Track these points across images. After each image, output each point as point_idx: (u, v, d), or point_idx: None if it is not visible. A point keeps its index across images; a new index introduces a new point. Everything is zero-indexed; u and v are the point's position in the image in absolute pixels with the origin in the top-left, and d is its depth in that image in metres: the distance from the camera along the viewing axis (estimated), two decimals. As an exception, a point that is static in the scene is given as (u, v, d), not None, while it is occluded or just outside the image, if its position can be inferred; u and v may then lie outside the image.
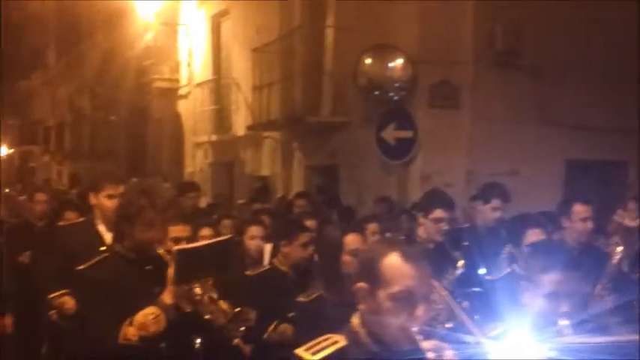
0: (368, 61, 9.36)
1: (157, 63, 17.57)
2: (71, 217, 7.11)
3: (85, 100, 25.02)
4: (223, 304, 3.82)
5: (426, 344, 2.31)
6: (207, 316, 3.79)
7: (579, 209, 5.17)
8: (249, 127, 13.20)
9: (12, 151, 34.44)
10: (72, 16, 24.84)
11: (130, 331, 3.53)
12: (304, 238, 5.15)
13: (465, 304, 4.30)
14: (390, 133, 9.44)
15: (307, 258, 5.14)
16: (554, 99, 9.20)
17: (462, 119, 9.22)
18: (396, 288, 2.38)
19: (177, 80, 17.29)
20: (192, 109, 16.38)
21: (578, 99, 9.23)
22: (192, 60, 16.54)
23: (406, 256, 2.41)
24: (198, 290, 3.74)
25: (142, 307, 3.56)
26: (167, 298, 3.62)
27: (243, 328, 3.96)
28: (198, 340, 4.22)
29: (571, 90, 9.21)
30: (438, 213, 5.14)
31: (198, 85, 16.05)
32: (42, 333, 6.77)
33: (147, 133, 20.12)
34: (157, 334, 3.55)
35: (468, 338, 2.63)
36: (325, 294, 4.05)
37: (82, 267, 3.84)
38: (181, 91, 17.22)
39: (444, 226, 5.14)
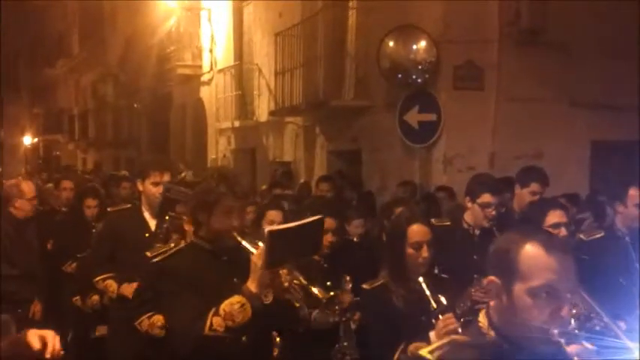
0: (391, 43, 9.27)
1: (179, 49, 17.58)
2: (91, 204, 7.20)
3: (109, 87, 25.16)
4: (314, 289, 3.61)
5: (571, 348, 2.05)
6: (296, 304, 3.61)
7: (635, 194, 4.91)
8: (272, 113, 13.19)
9: (37, 140, 34.80)
10: (94, 2, 24.93)
11: (216, 321, 3.32)
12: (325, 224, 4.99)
13: None
14: (413, 116, 9.36)
15: (327, 246, 4.91)
16: (580, 78, 9.06)
17: (486, 101, 9.11)
18: (536, 282, 2.09)
19: (199, 66, 17.30)
20: (215, 95, 16.39)
21: (604, 78, 9.07)
22: (214, 46, 16.53)
23: (548, 246, 2.12)
24: (286, 276, 3.51)
25: (223, 298, 3.37)
26: (252, 285, 3.36)
27: (337, 310, 3.81)
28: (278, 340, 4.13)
29: (597, 69, 9.05)
30: (486, 197, 4.98)
31: (221, 71, 16.04)
32: (68, 319, 6.83)
33: (170, 119, 20.18)
34: (243, 324, 3.36)
35: (613, 342, 2.38)
36: (390, 283, 3.91)
37: (158, 258, 3.73)
38: (204, 78, 17.23)
39: (492, 212, 4.96)
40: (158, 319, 4.22)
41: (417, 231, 3.89)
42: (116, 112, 24.92)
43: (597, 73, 9.07)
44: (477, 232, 5.02)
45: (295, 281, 3.58)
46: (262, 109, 14.06)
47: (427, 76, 9.11)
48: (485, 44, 9.03)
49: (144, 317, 4.36)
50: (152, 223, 5.26)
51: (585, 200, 8.08)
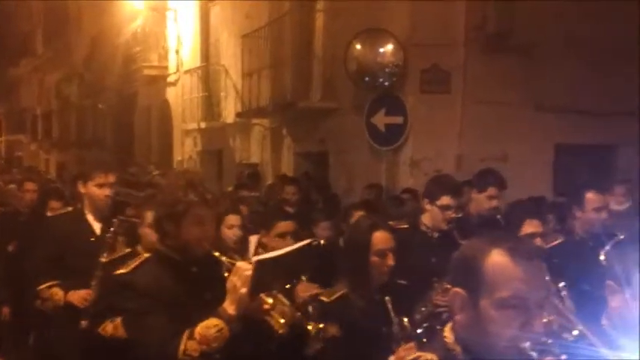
0: (358, 46, 9.29)
1: (145, 50, 17.46)
2: (55, 206, 7.06)
3: (73, 87, 24.84)
4: (299, 316, 3.45)
5: None
6: (280, 330, 3.29)
7: (592, 197, 4.88)
8: (239, 114, 13.14)
9: (-1, 140, 34.24)
10: (59, 2, 24.62)
11: (191, 346, 3.07)
12: (282, 227, 4.67)
13: None
14: (380, 119, 9.39)
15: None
16: (545, 82, 9.15)
17: (452, 104, 9.17)
18: (504, 293, 1.94)
19: (165, 67, 17.19)
20: (181, 96, 16.29)
21: (569, 82, 9.19)
22: (180, 46, 16.43)
23: (515, 254, 1.97)
24: (268, 299, 3.26)
25: (194, 316, 3.13)
26: (231, 308, 3.11)
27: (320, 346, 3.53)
28: None
29: (562, 73, 9.16)
30: (446, 200, 4.89)
31: (187, 71, 15.95)
32: (30, 322, 6.72)
33: (135, 121, 20.00)
34: (219, 348, 3.18)
35: (590, 350, 2.26)
36: (351, 294, 3.71)
37: (121, 271, 3.38)
38: (170, 78, 17.11)
39: (452, 214, 4.88)
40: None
41: (381, 238, 3.73)
42: (80, 112, 24.64)
43: (562, 78, 9.17)
44: (436, 234, 4.94)
45: (279, 304, 3.38)
46: (229, 111, 14.01)
47: (394, 79, 9.14)
48: (452, 48, 9.09)
49: (107, 322, 4.19)
50: (97, 227, 5.11)
51: (550, 204, 8.16)
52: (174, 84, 16.90)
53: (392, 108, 9.29)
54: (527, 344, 1.90)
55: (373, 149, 9.60)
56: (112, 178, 5.09)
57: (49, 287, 5.03)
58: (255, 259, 3.19)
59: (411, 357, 2.06)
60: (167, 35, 16.98)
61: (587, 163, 9.50)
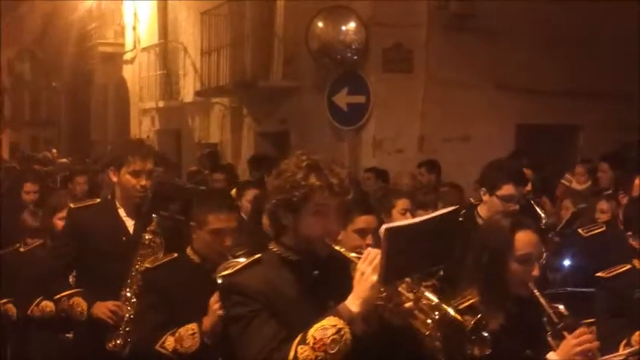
0: (320, 24, 9.17)
1: (100, 26, 17.15)
2: (31, 189, 6.80)
3: (26, 65, 24.36)
4: (451, 309, 2.53)
5: None
6: (426, 332, 2.53)
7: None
8: (198, 93, 12.96)
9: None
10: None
11: (303, 352, 2.50)
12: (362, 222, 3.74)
13: None
14: (342, 98, 9.31)
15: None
16: (507, 62, 9.17)
17: (414, 83, 9.14)
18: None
19: (122, 44, 16.91)
20: (138, 74, 16.03)
21: (530, 63, 9.22)
22: (137, 23, 16.13)
23: None
24: (407, 292, 2.54)
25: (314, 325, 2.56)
26: (355, 303, 2.50)
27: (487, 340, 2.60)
28: None
29: (523, 53, 9.19)
30: (508, 189, 4.29)
31: (144, 49, 15.67)
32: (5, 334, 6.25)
33: (91, 99, 19.70)
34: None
35: None
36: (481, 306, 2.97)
37: (225, 273, 2.82)
38: (126, 56, 16.83)
39: (514, 206, 4.26)
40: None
41: (525, 240, 3.00)
42: (34, 91, 24.19)
43: (523, 59, 9.20)
44: None
45: (424, 301, 2.55)
46: (188, 90, 13.81)
47: (356, 57, 9.06)
48: (414, 27, 9.04)
49: (166, 336, 3.44)
50: (130, 224, 4.22)
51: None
52: (131, 62, 16.62)
53: (354, 87, 9.22)
54: None
55: (335, 129, 9.52)
56: (150, 165, 4.18)
57: (69, 296, 4.20)
58: (385, 226, 2.48)
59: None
60: (123, 11, 16.67)
61: (549, 143, 9.56)
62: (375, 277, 2.46)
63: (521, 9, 8.99)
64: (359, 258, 2.56)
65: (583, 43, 9.09)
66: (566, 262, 5.03)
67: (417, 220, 2.60)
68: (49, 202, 5.69)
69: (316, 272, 2.68)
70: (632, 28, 8.73)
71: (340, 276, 2.63)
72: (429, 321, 2.51)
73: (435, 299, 2.52)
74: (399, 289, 2.53)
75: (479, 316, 2.60)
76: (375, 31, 9.00)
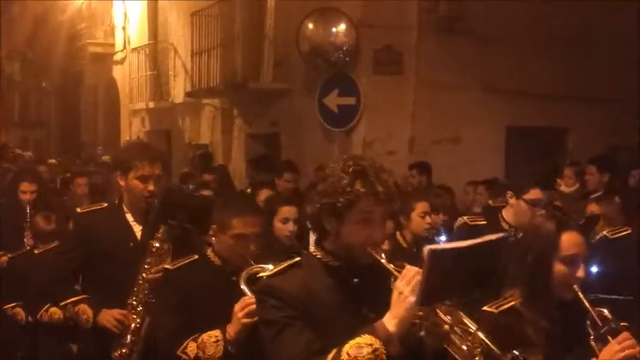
0: (310, 26, 9.18)
1: (90, 27, 17.09)
2: (27, 188, 6.62)
3: (15, 66, 24.24)
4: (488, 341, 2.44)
5: None
6: (460, 358, 2.45)
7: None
8: (188, 94, 12.93)
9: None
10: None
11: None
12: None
13: None
14: (333, 100, 9.33)
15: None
16: (497, 65, 9.20)
17: (405, 85, 9.15)
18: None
19: (112, 45, 16.86)
20: (129, 74, 15.98)
21: (520, 65, 9.26)
22: (127, 23, 16.09)
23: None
24: (445, 315, 2.46)
25: (348, 337, 2.48)
26: (392, 322, 2.43)
27: None
28: None
29: (513, 56, 9.23)
30: (536, 193, 4.19)
31: (135, 50, 15.62)
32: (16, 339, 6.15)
33: (81, 100, 19.61)
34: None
35: None
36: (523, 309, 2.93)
37: (263, 274, 2.82)
38: (116, 57, 16.78)
39: (541, 210, 4.12)
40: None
41: (571, 241, 2.95)
42: (24, 91, 24.07)
43: (513, 61, 9.24)
44: (520, 235, 4.01)
45: (460, 325, 2.47)
46: (178, 90, 13.78)
47: (347, 59, 9.07)
48: (404, 30, 9.06)
49: (188, 342, 3.35)
50: (137, 230, 4.10)
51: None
52: (121, 62, 16.57)
53: (344, 89, 9.23)
54: None
55: (326, 130, 9.53)
56: (158, 170, 4.04)
57: (75, 303, 4.07)
58: (429, 247, 2.39)
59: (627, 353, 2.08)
60: (113, 12, 16.62)
61: (538, 146, 9.60)
62: (413, 298, 2.40)
63: (512, 12, 9.02)
64: (399, 271, 2.50)
65: (573, 45, 9.15)
66: (594, 269, 4.86)
67: (463, 244, 2.49)
68: (62, 207, 5.66)
69: (356, 280, 2.62)
70: (623, 30, 8.80)
71: (379, 286, 2.57)
72: (464, 347, 2.45)
73: (472, 326, 2.45)
74: (437, 310, 2.46)
75: (515, 352, 2.52)
76: (366, 33, 9.01)
